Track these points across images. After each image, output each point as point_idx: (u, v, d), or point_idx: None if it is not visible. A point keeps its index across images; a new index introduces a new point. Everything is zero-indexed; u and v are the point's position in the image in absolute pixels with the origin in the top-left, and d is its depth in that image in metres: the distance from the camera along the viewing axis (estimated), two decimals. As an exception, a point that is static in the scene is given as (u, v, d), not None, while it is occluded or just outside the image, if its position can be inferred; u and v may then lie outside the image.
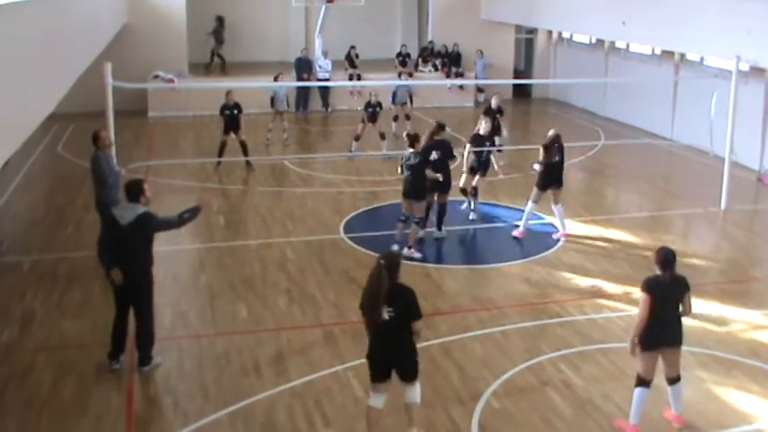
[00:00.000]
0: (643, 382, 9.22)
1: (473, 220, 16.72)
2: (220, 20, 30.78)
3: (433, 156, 15.00)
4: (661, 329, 9.01)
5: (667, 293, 9.00)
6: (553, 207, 15.86)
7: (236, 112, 20.55)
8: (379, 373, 8.76)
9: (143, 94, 26.97)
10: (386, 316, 8.48)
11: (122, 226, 10.32)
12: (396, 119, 24.73)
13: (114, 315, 10.65)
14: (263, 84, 27.29)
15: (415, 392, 8.83)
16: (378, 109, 21.83)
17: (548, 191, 15.72)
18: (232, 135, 20.53)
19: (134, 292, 10.48)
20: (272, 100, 23.45)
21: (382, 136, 21.83)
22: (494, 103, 19.88)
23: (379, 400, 8.81)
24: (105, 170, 13.36)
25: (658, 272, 9.02)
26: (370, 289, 8.60)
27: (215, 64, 30.29)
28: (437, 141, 15.38)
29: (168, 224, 10.90)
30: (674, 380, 9.36)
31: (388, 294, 8.46)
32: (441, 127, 15.71)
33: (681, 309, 9.11)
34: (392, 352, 8.67)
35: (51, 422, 9.45)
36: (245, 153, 20.55)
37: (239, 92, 25.68)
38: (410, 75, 30.04)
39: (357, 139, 21.89)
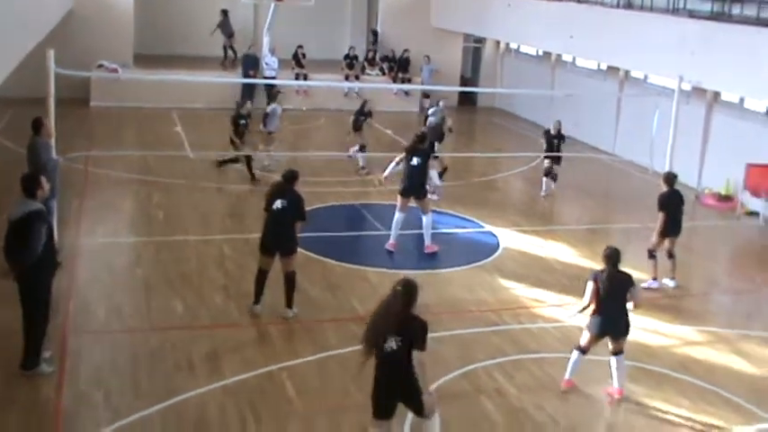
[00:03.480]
0: (581, 350, 10.39)
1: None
2: (225, 13, 30.67)
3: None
4: (607, 320, 10.10)
5: (609, 287, 10.03)
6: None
7: (249, 121, 19.77)
8: (382, 410, 8.20)
9: (86, 83, 26.57)
10: (393, 346, 7.88)
11: (9, 221, 9.69)
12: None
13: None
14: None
15: (435, 428, 8.32)
16: (364, 118, 20.95)
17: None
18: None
19: (20, 291, 9.91)
20: (266, 119, 20.62)
21: (362, 148, 20.80)
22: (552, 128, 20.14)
23: None
24: (44, 157, 13.14)
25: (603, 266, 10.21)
26: (378, 316, 8.12)
27: (229, 58, 30.51)
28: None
29: (37, 241, 9.63)
30: (617, 352, 10.31)
31: (399, 323, 7.93)
32: None
33: (629, 302, 10.21)
34: (398, 386, 8.08)
35: (-24, 413, 9.26)
36: (250, 168, 19.31)
37: (183, 87, 25.57)
38: (357, 77, 30.04)
39: (363, 149, 20.84)
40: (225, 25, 30.70)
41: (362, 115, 21.09)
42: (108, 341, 11.21)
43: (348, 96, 29.58)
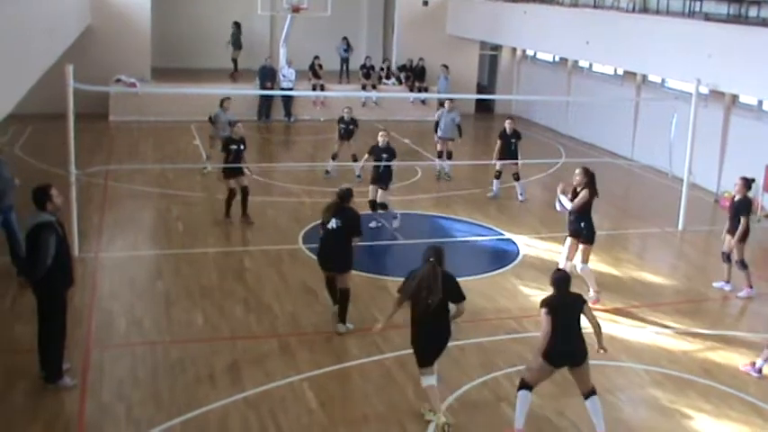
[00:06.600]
0: (527, 386, 9.39)
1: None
2: (238, 26, 30.94)
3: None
4: (563, 346, 9.24)
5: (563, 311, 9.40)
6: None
7: (242, 147, 17.14)
8: (427, 359, 9.56)
9: (104, 98, 26.76)
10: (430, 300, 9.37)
11: (26, 233, 9.94)
12: (441, 155, 21.65)
13: None
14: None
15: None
16: (351, 126, 20.78)
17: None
18: (233, 180, 17.14)
19: (37, 302, 10.10)
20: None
21: (354, 158, 20.27)
22: (508, 127, 19.86)
23: (433, 379, 9.58)
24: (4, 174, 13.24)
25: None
26: (424, 281, 9.37)
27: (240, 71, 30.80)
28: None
29: (45, 252, 9.71)
30: (588, 394, 9.35)
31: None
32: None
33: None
34: (436, 337, 9.55)
35: (0, 428, 9.30)
36: (245, 202, 17.24)
37: (201, 100, 25.63)
38: (374, 87, 30.11)
39: (334, 158, 20.92)
40: (236, 38, 30.91)
41: (344, 123, 20.88)
42: (129, 354, 11.24)
43: (366, 106, 29.64)
